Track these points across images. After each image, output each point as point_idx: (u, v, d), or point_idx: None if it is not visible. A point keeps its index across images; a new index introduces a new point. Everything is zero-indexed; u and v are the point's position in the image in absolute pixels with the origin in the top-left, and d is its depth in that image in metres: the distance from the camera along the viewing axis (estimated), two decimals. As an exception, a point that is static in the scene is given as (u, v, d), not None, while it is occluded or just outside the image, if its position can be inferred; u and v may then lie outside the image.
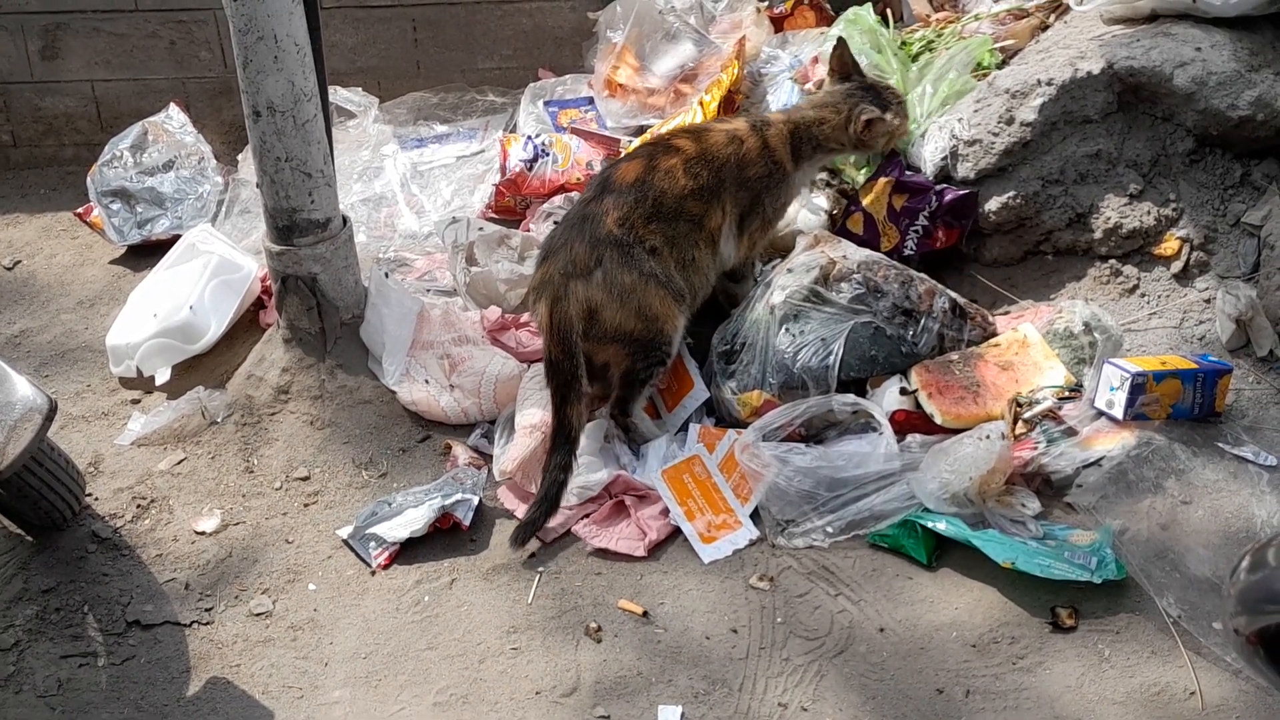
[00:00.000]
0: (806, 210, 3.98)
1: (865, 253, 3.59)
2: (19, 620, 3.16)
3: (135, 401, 3.90)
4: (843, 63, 3.77)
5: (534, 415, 3.46)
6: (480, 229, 4.10)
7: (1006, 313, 3.73)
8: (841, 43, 3.81)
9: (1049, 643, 2.90)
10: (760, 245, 3.74)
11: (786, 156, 3.63)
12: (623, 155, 3.64)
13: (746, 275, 3.76)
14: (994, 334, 3.56)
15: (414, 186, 4.51)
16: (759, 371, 3.46)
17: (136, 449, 3.69)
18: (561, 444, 3.27)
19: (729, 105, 4.28)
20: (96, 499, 3.50)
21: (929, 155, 3.91)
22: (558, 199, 4.29)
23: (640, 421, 3.54)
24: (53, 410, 3.03)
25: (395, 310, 3.75)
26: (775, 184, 3.62)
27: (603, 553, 3.24)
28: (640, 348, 3.42)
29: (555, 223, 3.84)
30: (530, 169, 4.35)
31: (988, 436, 3.15)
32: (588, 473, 3.37)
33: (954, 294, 3.59)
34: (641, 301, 3.38)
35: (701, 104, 4.24)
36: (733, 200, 3.55)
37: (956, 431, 3.28)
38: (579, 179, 4.31)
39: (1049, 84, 3.79)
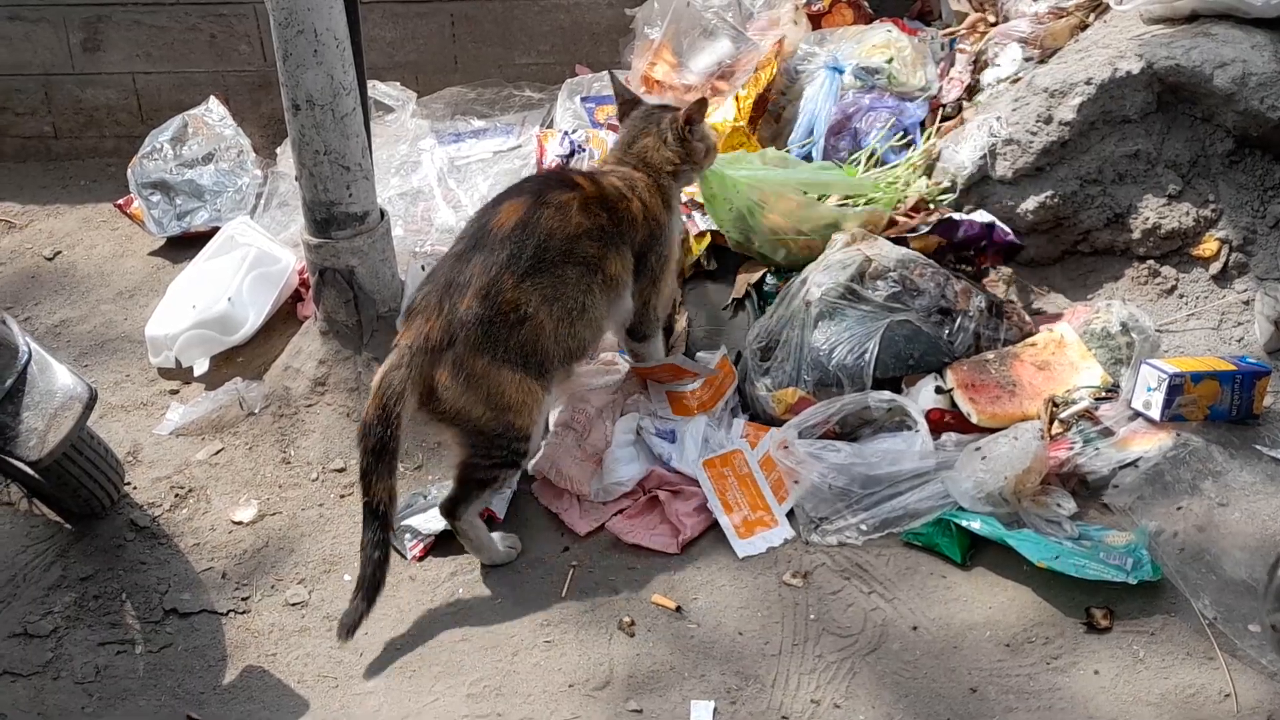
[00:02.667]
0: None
1: (902, 251, 3.58)
2: (58, 607, 3.19)
3: (174, 392, 3.93)
4: (622, 96, 3.56)
5: (566, 413, 3.48)
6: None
7: (1043, 312, 3.72)
8: (612, 76, 3.73)
9: (1083, 643, 2.89)
10: (660, 299, 3.47)
11: (658, 206, 3.38)
12: (509, 188, 3.37)
13: (650, 335, 3.51)
14: (1030, 333, 3.55)
15: (451, 181, 4.51)
16: (794, 368, 3.46)
17: (175, 439, 3.72)
18: (371, 522, 3.01)
19: (761, 105, 4.28)
20: (135, 488, 3.53)
21: (967, 155, 3.90)
22: (593, 194, 4.29)
23: (470, 529, 3.19)
24: (93, 399, 3.05)
25: (431, 304, 3.76)
26: (655, 240, 3.38)
27: (636, 547, 3.24)
28: (484, 441, 3.12)
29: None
30: (567, 164, 4.36)
31: (1023, 436, 3.15)
32: (620, 468, 3.38)
33: (990, 293, 3.58)
34: (491, 387, 3.08)
35: (737, 99, 4.25)
36: (630, 249, 3.30)
37: (992, 431, 3.27)
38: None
39: (1088, 83, 3.77)
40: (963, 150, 3.92)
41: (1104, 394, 3.35)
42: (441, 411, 3.09)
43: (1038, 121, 3.81)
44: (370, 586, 3.00)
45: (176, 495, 3.51)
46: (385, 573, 3.01)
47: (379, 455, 2.99)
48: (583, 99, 4.73)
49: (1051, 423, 3.28)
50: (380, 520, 3.00)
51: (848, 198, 3.87)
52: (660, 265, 3.42)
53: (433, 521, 3.28)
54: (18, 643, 3.11)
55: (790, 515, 3.27)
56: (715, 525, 3.27)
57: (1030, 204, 3.79)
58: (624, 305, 3.36)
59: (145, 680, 3.02)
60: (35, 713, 2.95)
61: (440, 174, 4.54)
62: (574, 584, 3.17)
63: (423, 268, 3.88)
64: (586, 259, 3.18)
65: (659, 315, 3.51)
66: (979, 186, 3.86)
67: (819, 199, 3.81)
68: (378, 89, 4.69)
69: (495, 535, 3.25)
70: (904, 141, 4.10)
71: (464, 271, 3.11)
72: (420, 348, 3.06)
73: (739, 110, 4.24)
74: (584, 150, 4.37)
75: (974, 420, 3.32)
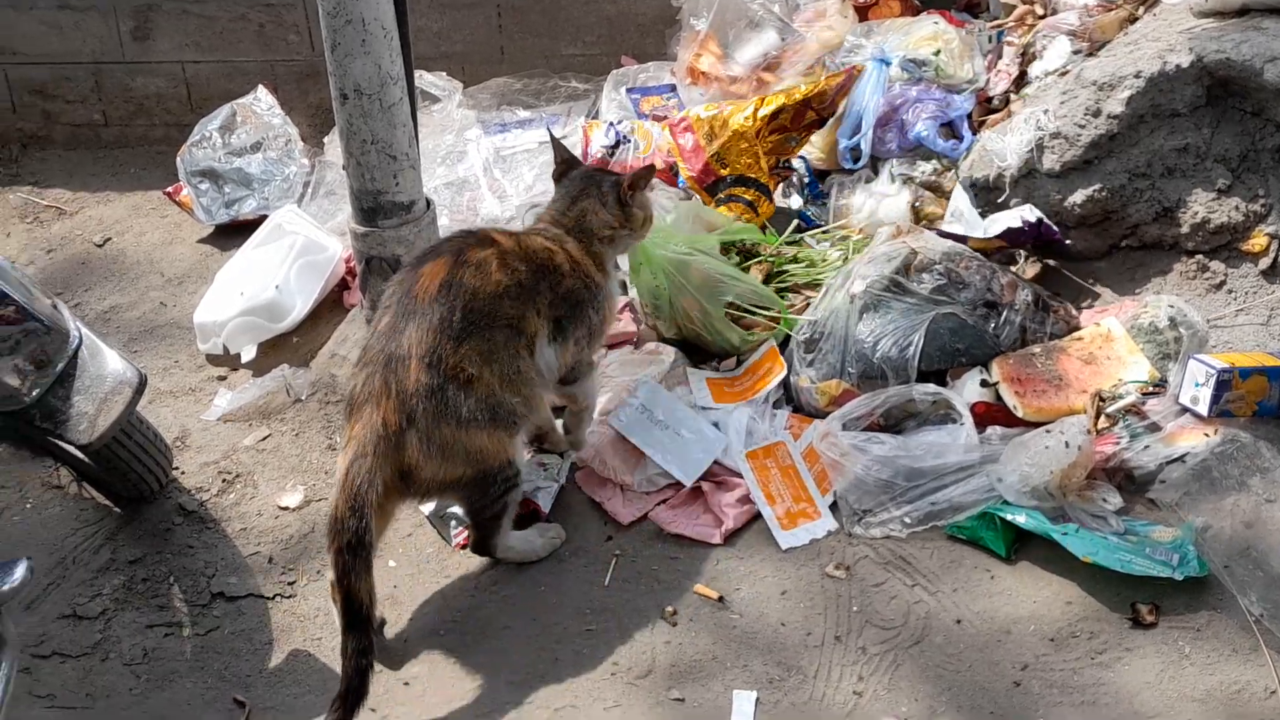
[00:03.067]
0: (889, 201, 3.98)
1: (947, 244, 3.57)
2: (106, 590, 3.23)
3: (221, 378, 3.96)
4: (561, 155, 3.42)
5: (611, 402, 3.48)
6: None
7: (1090, 306, 3.70)
8: (551, 137, 3.60)
9: (1128, 638, 2.88)
10: (593, 352, 3.37)
11: (590, 264, 3.25)
12: (426, 250, 3.24)
13: (581, 377, 3.34)
14: (1077, 327, 3.53)
15: (497, 171, 4.53)
16: (838, 360, 3.45)
17: (222, 424, 3.75)
18: (354, 624, 2.81)
19: (798, 120, 4.16)
20: (183, 473, 3.57)
21: (1013, 148, 3.88)
22: (638, 185, 4.29)
23: (509, 553, 3.19)
24: (142, 384, 3.09)
25: (477, 293, 3.77)
26: (592, 296, 3.25)
27: (679, 537, 3.25)
28: (477, 487, 3.04)
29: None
30: (612, 155, 4.37)
31: (1070, 430, 3.14)
32: (663, 458, 3.38)
33: (1037, 286, 3.57)
34: (467, 448, 2.97)
35: (759, 101, 4.15)
36: (553, 298, 3.14)
37: (1037, 424, 3.26)
38: (660, 166, 4.31)
39: (1137, 76, 3.74)
40: (1010, 143, 3.90)
41: (1151, 389, 3.33)
42: (425, 489, 3.02)
43: (1086, 115, 3.79)
44: (353, 697, 2.77)
45: (224, 480, 3.54)
46: (369, 681, 2.79)
47: (355, 551, 2.83)
48: (628, 90, 4.74)
49: (1098, 417, 3.27)
50: (363, 623, 2.82)
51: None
52: (601, 321, 3.30)
53: (477, 509, 3.30)
54: (67, 624, 3.15)
55: (833, 507, 3.27)
56: (758, 516, 3.27)
57: (1078, 197, 3.77)
58: (545, 360, 3.16)
59: (192, 662, 3.06)
60: (83, 693, 2.99)
61: (486, 164, 4.55)
62: (617, 573, 3.18)
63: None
64: (510, 321, 3.04)
65: (591, 362, 3.37)
66: (1025, 180, 3.84)
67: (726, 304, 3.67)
68: (424, 79, 4.71)
69: (533, 529, 3.24)
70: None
71: (400, 344, 2.96)
72: (380, 435, 2.91)
73: (753, 115, 4.12)
74: (629, 141, 4.38)
75: (1019, 414, 3.30)
